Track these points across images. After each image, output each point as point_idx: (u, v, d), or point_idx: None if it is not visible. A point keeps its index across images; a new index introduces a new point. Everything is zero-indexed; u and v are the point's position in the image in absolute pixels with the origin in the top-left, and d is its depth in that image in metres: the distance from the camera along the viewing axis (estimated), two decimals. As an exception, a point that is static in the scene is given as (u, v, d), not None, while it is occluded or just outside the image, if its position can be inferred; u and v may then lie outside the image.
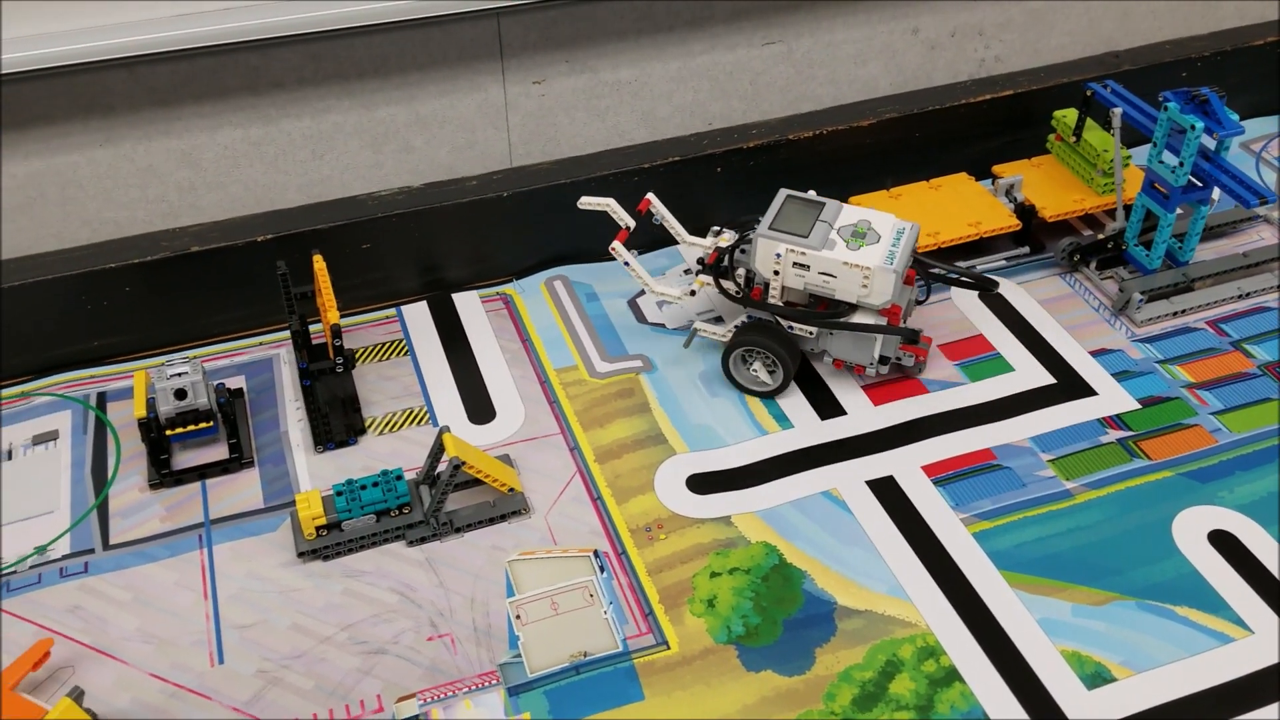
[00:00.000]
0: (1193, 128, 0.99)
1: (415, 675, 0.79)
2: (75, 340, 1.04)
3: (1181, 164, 1.01)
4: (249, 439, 0.96)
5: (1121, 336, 1.05)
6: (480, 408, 1.00)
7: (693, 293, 1.02)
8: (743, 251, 1.00)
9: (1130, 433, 0.96)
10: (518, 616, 0.82)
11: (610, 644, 0.80)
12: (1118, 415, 0.97)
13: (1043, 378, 1.01)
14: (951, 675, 0.78)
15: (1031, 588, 0.84)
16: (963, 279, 1.03)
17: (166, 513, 0.91)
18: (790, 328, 0.99)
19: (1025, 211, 1.14)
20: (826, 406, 0.99)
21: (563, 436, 0.97)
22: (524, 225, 1.13)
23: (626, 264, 1.02)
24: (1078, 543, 0.87)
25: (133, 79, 1.04)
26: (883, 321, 0.96)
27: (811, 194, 0.99)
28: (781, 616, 0.82)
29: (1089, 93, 1.14)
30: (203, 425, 0.93)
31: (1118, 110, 1.10)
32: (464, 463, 0.86)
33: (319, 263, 0.96)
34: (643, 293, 1.11)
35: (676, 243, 1.10)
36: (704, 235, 1.06)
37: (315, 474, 0.94)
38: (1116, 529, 0.88)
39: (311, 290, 0.98)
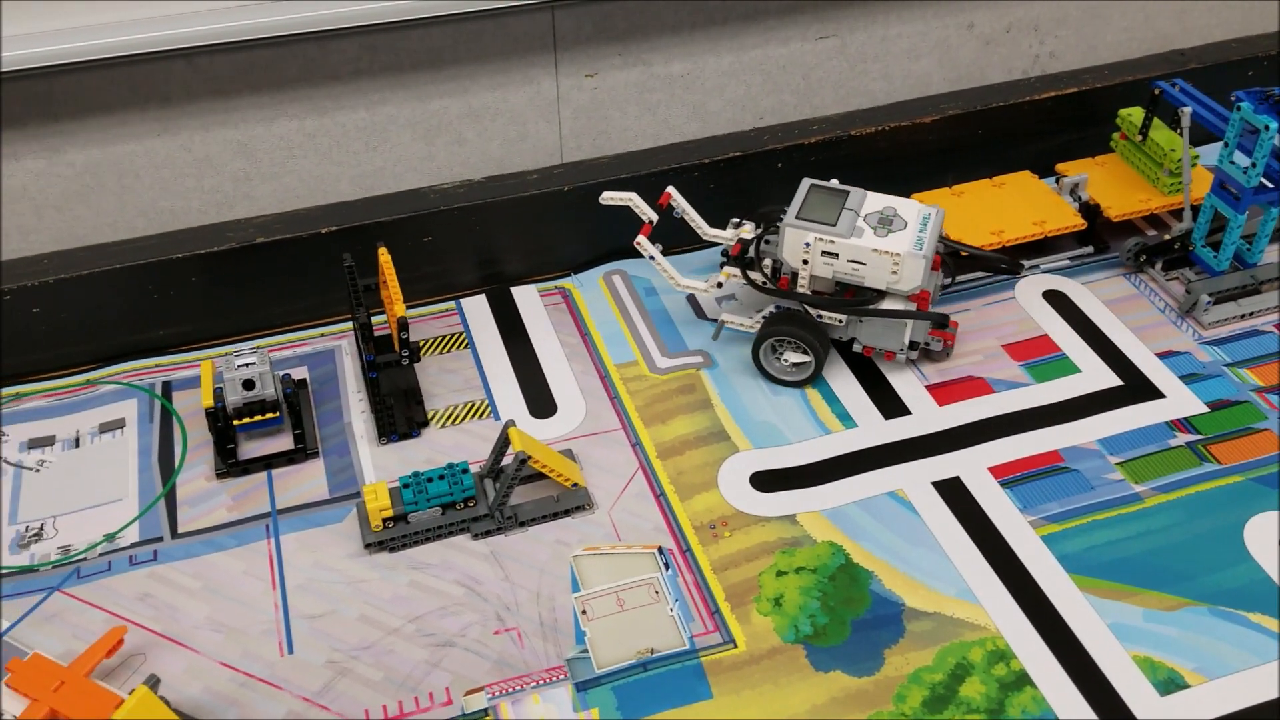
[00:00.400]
0: (1266, 128, 0.98)
1: (483, 668, 0.79)
2: (141, 329, 1.05)
3: (1254, 164, 1.00)
4: (313, 430, 0.97)
5: (1188, 339, 1.04)
6: (541, 402, 1.00)
7: (719, 284, 1.02)
8: (768, 242, 1.00)
9: (1199, 436, 0.94)
10: (584, 612, 0.82)
11: (677, 641, 0.80)
12: (1186, 418, 0.96)
13: (1109, 379, 1.00)
14: (1022, 679, 0.77)
15: (1102, 592, 0.83)
16: (989, 261, 1.03)
17: (233, 502, 0.91)
18: (819, 316, 0.99)
19: (1090, 211, 1.13)
20: (890, 406, 0.98)
21: (624, 432, 0.97)
22: (583, 219, 1.13)
23: (652, 258, 1.02)
24: (1148, 547, 0.86)
25: (191, 69, 1.05)
26: (912, 307, 0.96)
27: (834, 182, 0.99)
28: (849, 617, 0.81)
29: (1157, 91, 1.12)
30: (269, 415, 0.94)
31: (1187, 109, 1.08)
32: (530, 457, 0.86)
33: (384, 255, 0.97)
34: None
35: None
36: (724, 228, 1.06)
37: (379, 466, 0.94)
38: (1187, 534, 0.87)
39: (375, 283, 0.98)
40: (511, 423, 0.89)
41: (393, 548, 0.87)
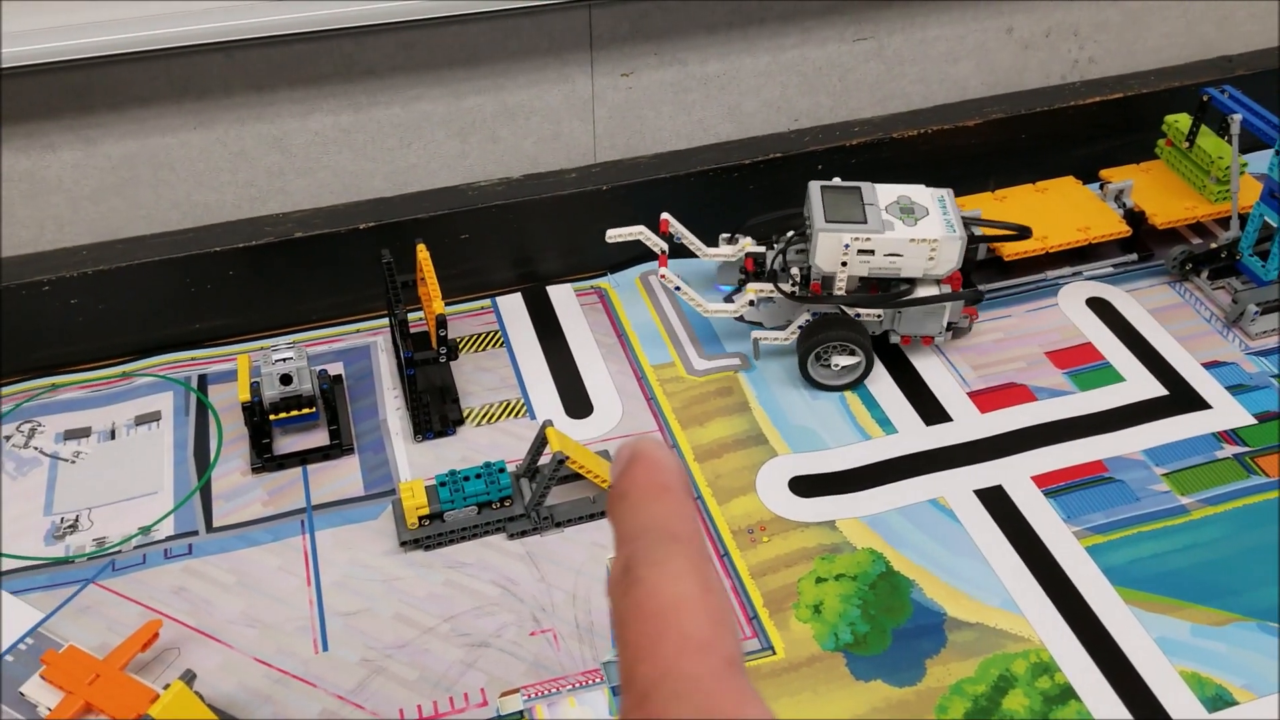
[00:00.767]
0: (1320, 135, 0.96)
1: (519, 670, 0.78)
2: (177, 322, 1.05)
3: (1306, 173, 0.98)
4: (349, 426, 0.96)
5: (1235, 349, 1.02)
6: (577, 402, 0.99)
7: (751, 303, 1.00)
8: (799, 251, 0.99)
9: (1247, 448, 0.93)
10: (620, 615, 0.81)
11: (715, 646, 0.79)
12: (1233, 430, 0.94)
13: (1154, 389, 0.98)
14: (1067, 693, 0.76)
15: (1148, 605, 0.81)
16: (1000, 227, 1.04)
17: (269, 497, 0.91)
18: (857, 315, 0.98)
19: (1135, 217, 1.11)
20: (931, 412, 0.97)
21: (661, 434, 0.96)
22: (620, 219, 1.12)
23: (677, 289, 1.00)
24: (1195, 560, 0.84)
25: (229, 63, 1.05)
26: (946, 289, 0.97)
27: (837, 180, 0.99)
28: (890, 626, 0.80)
29: (1205, 98, 1.11)
30: (305, 411, 0.93)
31: (1237, 116, 1.07)
32: (567, 457, 0.86)
33: (423, 252, 0.96)
34: (739, 289, 1.10)
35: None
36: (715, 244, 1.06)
37: (414, 463, 0.94)
38: (1235, 547, 0.85)
39: (413, 279, 0.98)
40: (549, 422, 0.88)
41: (428, 546, 0.86)
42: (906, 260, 0.94)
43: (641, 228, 1.02)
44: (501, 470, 0.87)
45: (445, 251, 1.08)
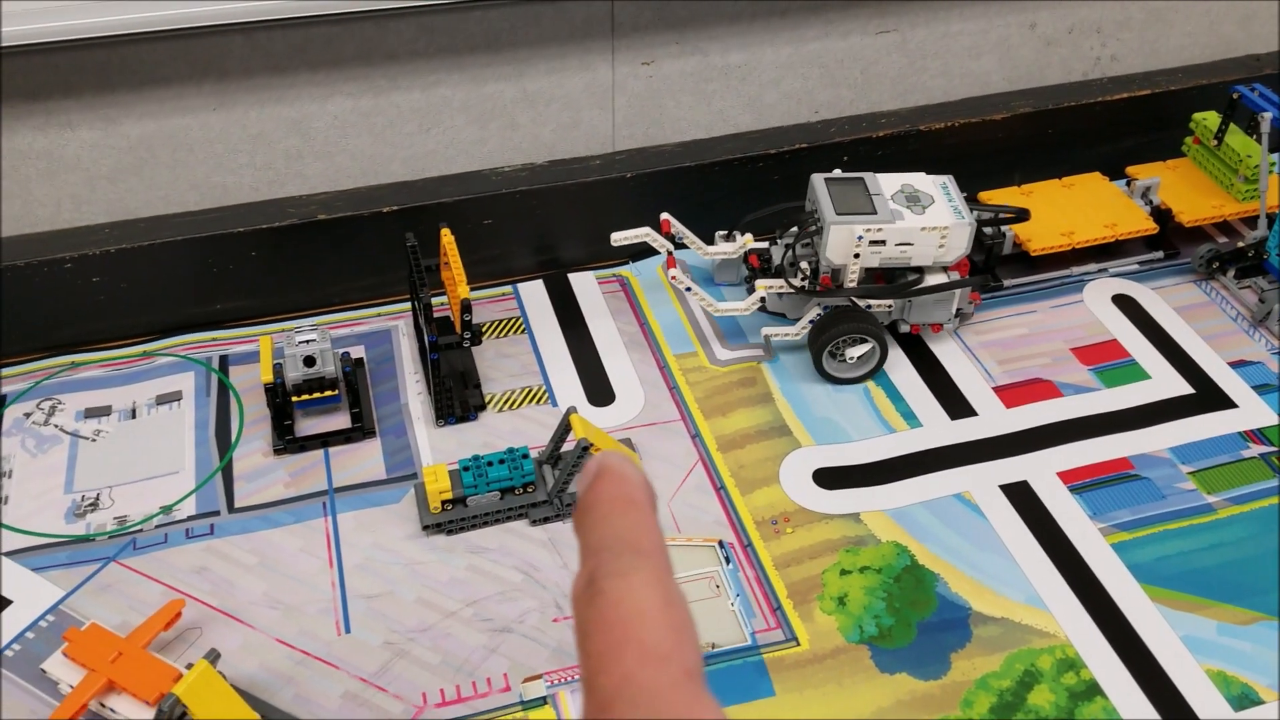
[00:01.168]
0: (1352, 135, 0.95)
1: (542, 656, 0.78)
2: (199, 302, 1.05)
3: (1338, 172, 0.97)
4: (370, 409, 0.96)
5: (1261, 348, 1.02)
6: (599, 390, 0.99)
7: (762, 300, 1.00)
8: (805, 245, 0.99)
9: (1273, 448, 0.92)
10: (643, 603, 0.81)
11: (738, 637, 0.79)
12: (1259, 429, 0.94)
13: (1180, 387, 0.98)
14: (1093, 689, 0.75)
15: (1174, 603, 0.81)
16: (1000, 210, 1.05)
17: (290, 479, 0.91)
18: (868, 306, 0.97)
19: (1161, 215, 1.11)
20: (956, 406, 0.96)
21: (684, 423, 0.96)
22: (644, 207, 1.11)
23: (688, 289, 1.00)
24: (1221, 559, 0.84)
25: (250, 44, 1.04)
26: (955, 276, 0.97)
27: (837, 172, 0.98)
28: (915, 619, 0.80)
29: (1235, 95, 1.10)
30: (328, 393, 0.93)
31: (1267, 115, 1.06)
32: (591, 444, 0.85)
33: (447, 236, 0.95)
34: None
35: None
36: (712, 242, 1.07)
37: (436, 448, 0.93)
38: (1261, 547, 0.85)
39: (437, 264, 0.97)
40: (573, 409, 0.88)
41: (450, 530, 0.86)
42: (917, 249, 0.94)
43: (647, 229, 1.01)
44: (525, 456, 0.87)
45: (467, 236, 1.07)
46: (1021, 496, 0.88)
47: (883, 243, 0.94)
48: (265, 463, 0.92)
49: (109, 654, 0.74)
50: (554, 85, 1.16)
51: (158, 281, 1.03)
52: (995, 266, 1.08)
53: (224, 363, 1.01)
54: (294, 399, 0.93)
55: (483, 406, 0.97)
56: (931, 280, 0.97)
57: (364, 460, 0.92)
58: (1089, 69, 1.34)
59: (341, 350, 0.97)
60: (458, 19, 1.09)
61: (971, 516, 0.87)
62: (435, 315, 0.93)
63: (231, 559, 0.84)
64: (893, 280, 0.98)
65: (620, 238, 1.01)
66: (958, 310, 1.00)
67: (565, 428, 0.88)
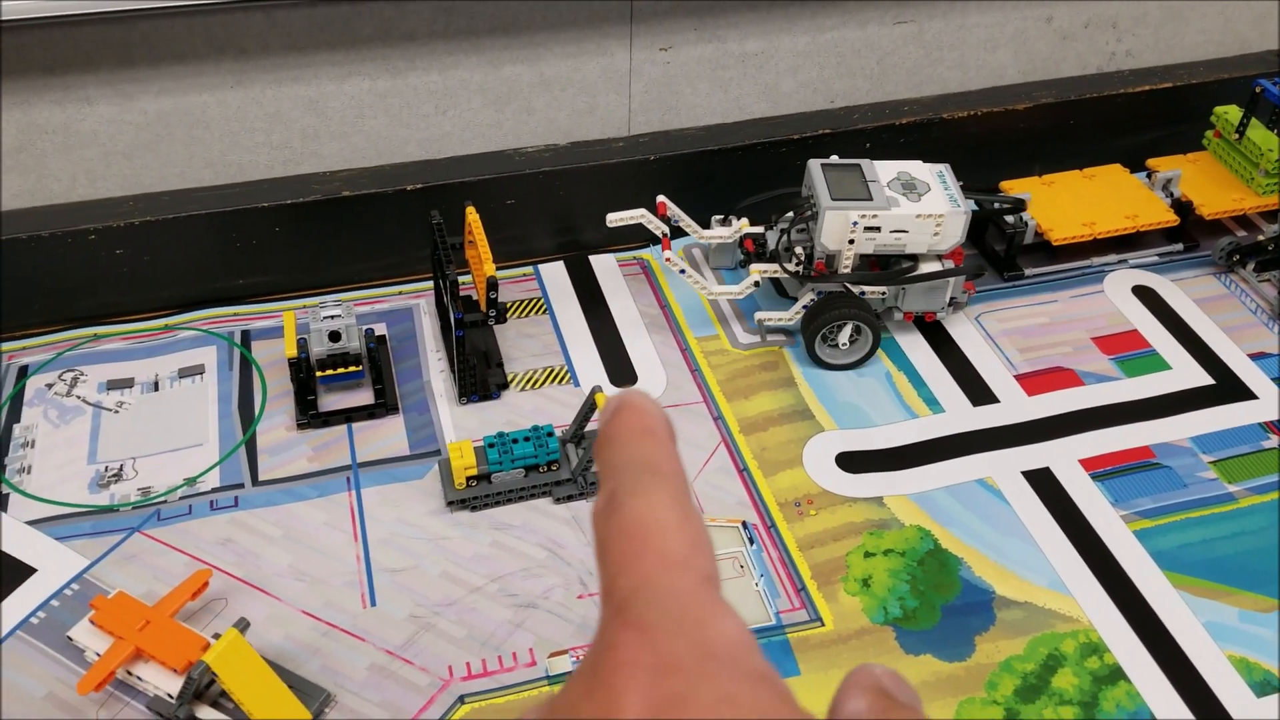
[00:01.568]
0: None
1: (567, 632, 0.78)
2: (221, 277, 1.05)
3: (1361, 166, 0.97)
4: (393, 386, 0.96)
5: (1280, 341, 1.02)
6: (621, 371, 0.99)
7: (756, 284, 1.00)
8: (800, 230, 0.99)
9: (1293, 440, 0.93)
10: (668, 581, 0.81)
11: (762, 616, 0.79)
12: (1280, 421, 0.94)
13: (1200, 378, 0.98)
14: (1116, 674, 0.76)
15: (1197, 590, 0.81)
16: (1000, 203, 1.06)
17: (314, 453, 0.91)
18: (862, 293, 0.98)
19: (1182, 207, 1.11)
20: (978, 393, 0.97)
21: (705, 405, 0.96)
22: (666, 190, 1.11)
23: (683, 271, 1.00)
24: (1243, 548, 0.84)
25: (269, 22, 1.04)
26: (949, 265, 0.97)
27: (835, 158, 0.98)
28: (939, 602, 0.80)
29: (1257, 89, 1.10)
30: (352, 369, 0.93)
31: (1290, 108, 1.06)
32: (617, 423, 0.85)
33: (473, 214, 0.95)
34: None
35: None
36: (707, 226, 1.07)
37: (459, 425, 0.93)
38: (1282, 537, 0.85)
39: (461, 242, 0.97)
40: (598, 388, 0.88)
41: (474, 507, 0.86)
42: (912, 236, 0.94)
43: (642, 211, 1.01)
44: (550, 434, 0.87)
45: (489, 216, 1.06)
46: (1044, 483, 0.89)
47: (878, 229, 0.94)
48: (288, 437, 0.92)
49: (136, 622, 0.74)
50: (571, 70, 1.16)
51: (181, 255, 1.03)
52: (1016, 255, 1.08)
53: (246, 337, 1.01)
54: (318, 374, 0.92)
55: (505, 385, 0.97)
56: (926, 268, 0.97)
57: (387, 436, 0.92)
58: (1104, 64, 1.34)
59: (365, 326, 0.97)
60: (476, 2, 1.08)
61: (994, 502, 0.87)
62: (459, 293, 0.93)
63: (256, 531, 0.84)
64: (887, 267, 0.98)
65: (616, 218, 1.01)
66: (951, 299, 1.00)
67: (590, 406, 0.88)
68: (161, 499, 0.86)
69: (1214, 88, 1.23)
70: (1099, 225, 1.07)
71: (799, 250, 0.97)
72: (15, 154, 1.04)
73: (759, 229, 1.04)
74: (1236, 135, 1.13)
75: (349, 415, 0.93)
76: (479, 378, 0.96)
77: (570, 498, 0.87)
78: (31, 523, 0.85)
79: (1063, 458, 0.91)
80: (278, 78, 1.08)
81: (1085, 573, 0.82)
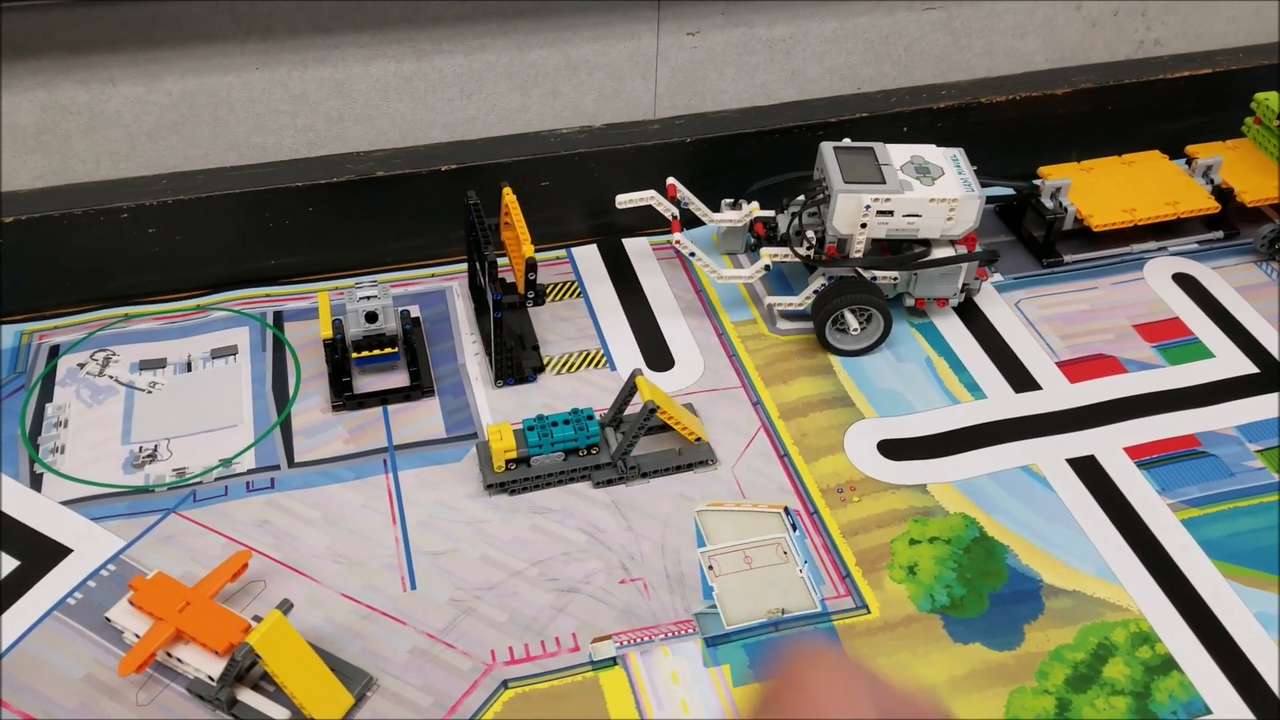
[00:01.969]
0: None
1: (609, 617, 0.77)
2: (254, 257, 1.03)
3: None
4: (428, 368, 0.95)
5: (1323, 331, 1.01)
6: (658, 354, 0.98)
7: (767, 268, 0.99)
8: (812, 214, 0.98)
9: (1340, 430, 0.92)
10: (710, 567, 0.80)
11: (808, 603, 0.78)
12: (1326, 411, 0.93)
13: (1244, 366, 0.97)
14: (1168, 664, 0.75)
15: (1247, 580, 0.80)
16: (1011, 187, 1.06)
17: (349, 435, 0.90)
18: (874, 278, 0.96)
19: (1222, 194, 1.10)
20: (1019, 379, 0.95)
21: (744, 390, 0.95)
22: (702, 173, 1.11)
23: (692, 255, 0.98)
24: (1292, 538, 0.83)
25: (296, 3, 1.03)
26: (962, 250, 0.96)
27: (847, 141, 0.97)
28: (987, 590, 0.79)
29: (1302, 75, 1.09)
30: (388, 350, 0.92)
31: (1334, 94, 1.05)
32: (658, 407, 0.84)
33: (510, 195, 0.94)
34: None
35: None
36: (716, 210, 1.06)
37: (495, 408, 0.92)
38: (1331, 527, 0.84)
39: (498, 223, 0.96)
40: (638, 372, 0.87)
41: (513, 490, 0.85)
42: (925, 221, 0.93)
43: (652, 192, 1.00)
44: (590, 417, 0.86)
45: (522, 198, 1.06)
46: (1089, 471, 0.88)
47: (890, 213, 0.93)
48: (324, 418, 0.91)
49: (176, 603, 0.73)
50: (598, 53, 1.15)
51: (213, 234, 1.02)
52: (1055, 241, 1.07)
53: (278, 318, 1.00)
54: (353, 355, 0.91)
55: (541, 368, 0.96)
56: (939, 253, 0.96)
57: (423, 418, 0.91)
58: (1133, 51, 1.33)
59: (400, 308, 0.96)
60: (504, -17, 1.07)
61: (1039, 489, 0.86)
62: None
63: (293, 513, 0.83)
64: (899, 252, 0.97)
65: (625, 200, 1.00)
66: (964, 285, 0.99)
67: (630, 390, 0.87)
68: (197, 480, 0.86)
69: (1253, 74, 1.22)
70: (1140, 212, 1.06)
71: (810, 234, 0.96)
72: (39, 134, 1.02)
73: (769, 213, 1.03)
74: (1278, 122, 1.11)
75: (384, 397, 0.92)
76: (514, 361, 0.95)
77: (610, 482, 0.86)
78: (66, 503, 0.84)
79: (1107, 445, 0.90)
80: (303, 59, 1.07)
81: (1133, 561, 0.81)
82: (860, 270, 0.96)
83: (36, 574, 0.79)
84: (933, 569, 0.80)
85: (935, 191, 0.92)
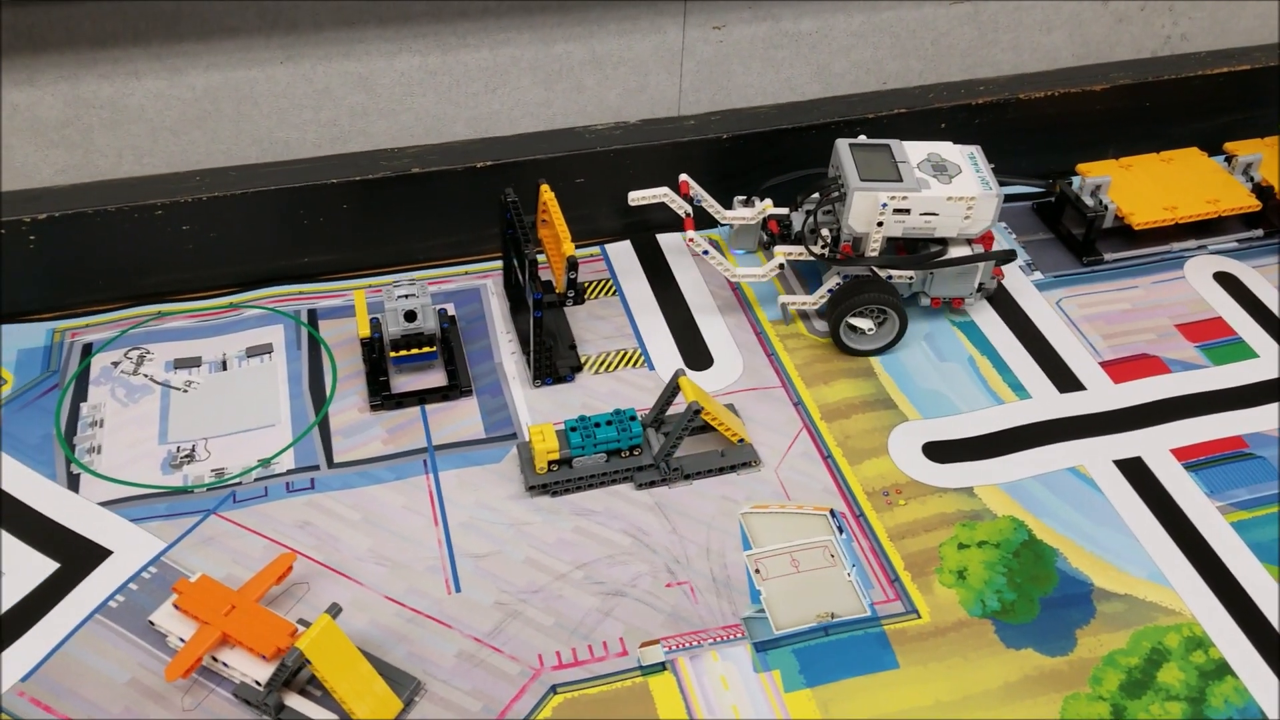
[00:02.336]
0: None
1: (657, 621, 0.76)
2: (287, 254, 1.03)
3: None
4: (465, 367, 0.94)
5: (1367, 330, 1.00)
6: (696, 353, 0.97)
7: (781, 267, 0.97)
8: (827, 212, 0.97)
9: (1387, 432, 0.91)
10: (757, 570, 0.79)
11: (857, 607, 0.77)
12: (1372, 412, 0.92)
13: (1289, 367, 0.96)
14: (1223, 669, 0.74)
15: (1299, 585, 0.79)
16: (1033, 186, 1.05)
17: (388, 435, 0.89)
18: (889, 277, 0.95)
19: (1263, 192, 1.08)
20: (1063, 380, 0.95)
21: (784, 390, 0.94)
22: (739, 170, 1.10)
23: (705, 253, 0.97)
24: (1343, 542, 0.82)
25: (321, -1, 1.02)
26: (979, 249, 0.95)
27: (863, 138, 0.96)
28: (1037, 594, 0.78)
29: (1343, 71, 1.08)
30: (426, 349, 0.91)
31: (1378, 91, 1.04)
32: (703, 408, 0.83)
33: (548, 192, 0.93)
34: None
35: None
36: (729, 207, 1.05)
37: (533, 408, 0.92)
38: (1382, 531, 0.83)
39: (535, 220, 0.95)
40: (681, 372, 0.86)
41: (555, 492, 0.84)
42: (942, 219, 0.92)
43: (665, 190, 0.99)
44: (632, 418, 0.85)
45: (555, 195, 1.05)
46: (1136, 472, 0.87)
47: (907, 211, 0.91)
48: (362, 418, 0.90)
49: (222, 607, 0.72)
50: (623, 47, 1.13)
51: (248, 231, 1.01)
52: (1095, 240, 1.06)
53: (312, 316, 0.99)
54: (391, 354, 0.91)
55: (579, 368, 0.95)
56: (955, 252, 0.95)
57: (462, 418, 0.90)
58: (1159, 47, 1.32)
59: (438, 307, 0.95)
60: (532, -24, 1.06)
61: (1087, 491, 0.85)
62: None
63: (334, 514, 0.83)
64: (915, 251, 0.96)
65: (637, 197, 0.99)
66: (980, 284, 0.98)
67: (673, 390, 0.86)
68: (236, 480, 0.85)
69: (1291, 70, 1.21)
70: (1180, 210, 1.05)
71: (825, 232, 0.95)
72: (61, 128, 1.01)
73: (784, 210, 1.02)
74: (1319, 119, 1.10)
75: (422, 397, 0.91)
76: (551, 360, 0.94)
77: (653, 483, 0.85)
78: (104, 504, 0.83)
79: (1154, 447, 0.89)
80: (328, 53, 1.06)
81: (1184, 564, 0.80)
82: (876, 269, 0.95)
83: (77, 576, 0.78)
84: (982, 573, 0.79)
85: (953, 190, 0.91)
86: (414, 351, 0.91)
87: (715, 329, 0.99)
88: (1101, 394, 0.93)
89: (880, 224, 0.92)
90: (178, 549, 0.80)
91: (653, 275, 1.05)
